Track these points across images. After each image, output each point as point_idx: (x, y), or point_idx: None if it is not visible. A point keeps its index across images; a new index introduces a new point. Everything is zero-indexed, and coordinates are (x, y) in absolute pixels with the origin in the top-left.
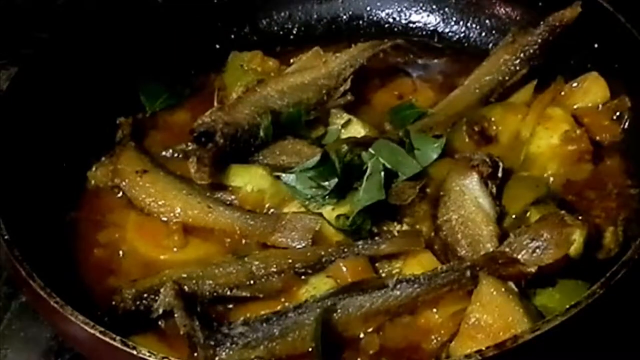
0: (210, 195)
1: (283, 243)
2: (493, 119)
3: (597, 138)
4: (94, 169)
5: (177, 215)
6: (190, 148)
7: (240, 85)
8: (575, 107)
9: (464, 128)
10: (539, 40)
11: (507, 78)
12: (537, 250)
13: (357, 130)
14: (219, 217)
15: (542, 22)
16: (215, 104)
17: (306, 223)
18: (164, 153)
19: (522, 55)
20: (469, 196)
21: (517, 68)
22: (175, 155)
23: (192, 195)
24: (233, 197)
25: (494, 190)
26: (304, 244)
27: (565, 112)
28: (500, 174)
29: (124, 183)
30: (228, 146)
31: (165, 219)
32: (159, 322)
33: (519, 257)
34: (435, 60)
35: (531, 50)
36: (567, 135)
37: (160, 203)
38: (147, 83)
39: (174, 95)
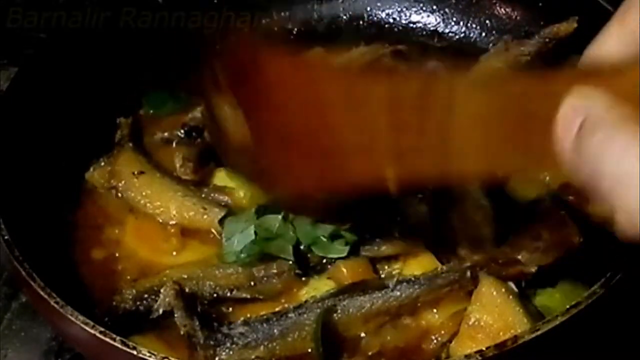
0: (205, 197)
1: None
2: None
3: None
4: (91, 170)
5: (173, 216)
6: (178, 140)
7: None
8: None
9: None
10: (532, 51)
11: None
12: (538, 251)
13: None
14: (215, 219)
15: (536, 35)
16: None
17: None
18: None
19: (513, 64)
20: (469, 196)
21: None
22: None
23: (187, 197)
24: (227, 198)
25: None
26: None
27: None
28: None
29: (120, 184)
30: None
31: (161, 220)
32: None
33: (519, 257)
34: (435, 61)
35: (523, 61)
36: None
37: (156, 204)
38: (150, 91)
39: (178, 102)
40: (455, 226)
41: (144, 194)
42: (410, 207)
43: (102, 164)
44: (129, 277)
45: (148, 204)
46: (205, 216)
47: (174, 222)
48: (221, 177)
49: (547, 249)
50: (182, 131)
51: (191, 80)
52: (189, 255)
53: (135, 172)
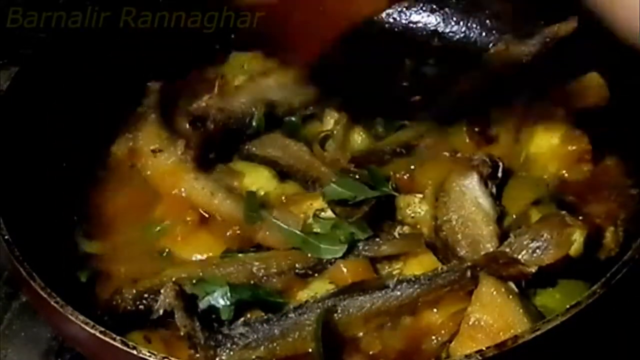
0: (216, 181)
1: (268, 242)
2: (493, 118)
3: (597, 138)
4: (116, 144)
5: (182, 197)
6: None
7: (243, 73)
8: (575, 107)
9: (465, 129)
10: (532, 51)
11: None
12: (538, 251)
13: (353, 137)
14: (220, 205)
15: (536, 35)
16: (215, 90)
17: (292, 222)
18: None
19: (514, 64)
20: (469, 196)
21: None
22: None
23: (197, 180)
24: (237, 183)
25: (494, 190)
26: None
27: (565, 112)
28: (500, 174)
29: (140, 163)
30: (219, 132)
31: (172, 201)
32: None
33: (520, 257)
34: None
35: (523, 61)
36: (567, 135)
37: (169, 185)
38: None
39: None
40: (455, 226)
41: (160, 173)
42: (411, 206)
43: (125, 138)
44: (129, 277)
45: (163, 184)
46: (212, 200)
47: (185, 203)
48: (260, 174)
49: (547, 249)
50: (190, 119)
51: (191, 81)
52: (195, 245)
53: (155, 150)
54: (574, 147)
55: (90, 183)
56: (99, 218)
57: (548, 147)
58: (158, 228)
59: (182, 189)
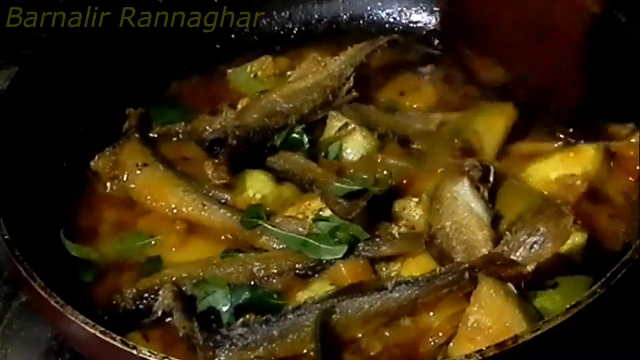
0: (206, 193)
1: (269, 247)
2: (478, 130)
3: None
4: (97, 158)
5: (173, 211)
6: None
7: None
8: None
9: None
10: None
11: None
12: (536, 246)
13: (356, 139)
14: (212, 215)
15: None
16: (224, 114)
17: (294, 229)
18: (151, 135)
19: None
20: (462, 202)
21: None
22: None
23: (187, 192)
24: (228, 196)
25: (487, 194)
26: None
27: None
28: (492, 178)
29: (123, 176)
30: (242, 147)
31: (161, 214)
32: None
33: (518, 255)
34: (437, 59)
35: None
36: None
37: (156, 198)
38: (158, 105)
39: (182, 112)
40: (449, 233)
41: (145, 186)
42: (406, 210)
43: (108, 153)
44: (129, 277)
45: (149, 197)
46: (203, 212)
47: (172, 215)
48: (255, 178)
49: (544, 242)
50: (206, 145)
51: (192, 79)
52: (191, 253)
53: (139, 164)
54: (572, 153)
55: (79, 189)
56: (84, 227)
57: (546, 153)
58: (150, 241)
59: (171, 202)
